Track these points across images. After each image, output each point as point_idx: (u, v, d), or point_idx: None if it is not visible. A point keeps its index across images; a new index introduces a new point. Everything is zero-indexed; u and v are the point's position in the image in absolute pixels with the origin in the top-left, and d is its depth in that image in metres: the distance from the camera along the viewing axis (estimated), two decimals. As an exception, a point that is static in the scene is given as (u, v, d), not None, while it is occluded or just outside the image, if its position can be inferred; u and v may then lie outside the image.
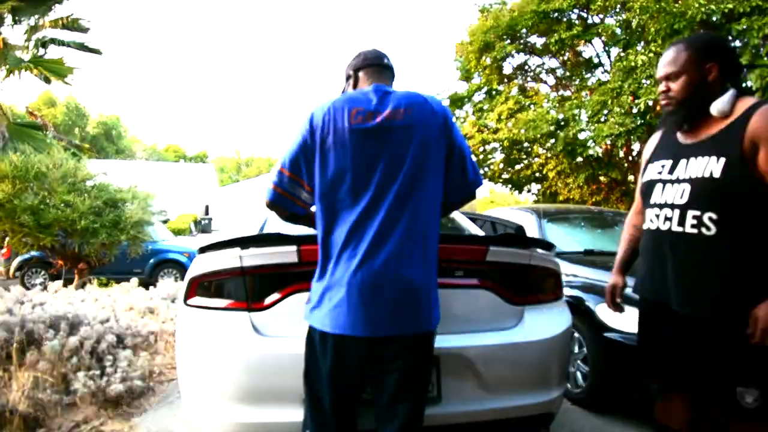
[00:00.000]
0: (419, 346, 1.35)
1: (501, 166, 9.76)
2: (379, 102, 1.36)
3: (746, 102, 1.38)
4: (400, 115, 1.34)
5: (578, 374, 3.12)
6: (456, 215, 2.96)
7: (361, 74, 1.50)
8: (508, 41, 8.59)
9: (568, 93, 9.02)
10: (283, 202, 1.40)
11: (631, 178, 8.28)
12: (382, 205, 1.29)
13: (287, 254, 1.65)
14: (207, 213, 29.94)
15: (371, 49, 1.55)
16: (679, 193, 1.45)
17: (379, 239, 1.27)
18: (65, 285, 5.50)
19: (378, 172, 1.30)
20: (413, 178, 1.32)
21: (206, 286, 1.78)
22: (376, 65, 1.49)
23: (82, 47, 6.68)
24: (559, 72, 9.45)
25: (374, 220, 1.28)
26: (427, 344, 1.39)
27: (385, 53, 1.54)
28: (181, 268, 8.43)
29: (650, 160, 1.63)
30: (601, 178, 8.45)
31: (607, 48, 8.39)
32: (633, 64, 5.93)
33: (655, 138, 1.72)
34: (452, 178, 1.42)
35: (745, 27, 4.91)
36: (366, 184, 1.30)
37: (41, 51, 6.43)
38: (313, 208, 1.40)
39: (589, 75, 8.84)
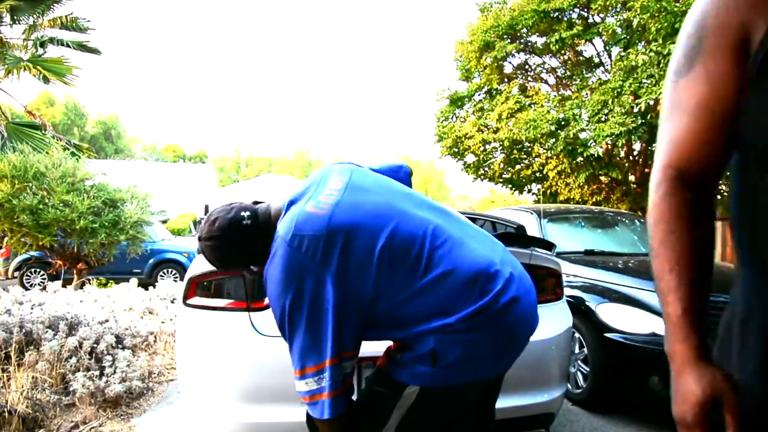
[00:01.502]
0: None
1: (501, 166, 9.75)
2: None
3: None
4: None
5: (578, 374, 3.11)
6: (455, 213, 2.96)
7: None
8: (509, 41, 8.58)
9: (568, 92, 9.01)
10: (345, 404, 1.09)
11: (631, 177, 8.28)
12: None
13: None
14: (206, 213, 29.90)
15: None
16: None
17: None
18: (64, 285, 5.50)
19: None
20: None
21: (206, 285, 1.78)
22: None
23: (80, 47, 6.67)
24: (560, 71, 9.44)
25: None
26: None
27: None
28: (180, 268, 8.42)
29: None
30: (602, 178, 8.44)
31: (607, 47, 8.39)
32: (634, 63, 5.93)
33: None
34: None
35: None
36: None
37: (40, 50, 6.41)
38: None
39: (589, 74, 8.83)
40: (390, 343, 1.21)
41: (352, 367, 1.12)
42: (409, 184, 1.40)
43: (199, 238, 1.22)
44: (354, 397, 1.18)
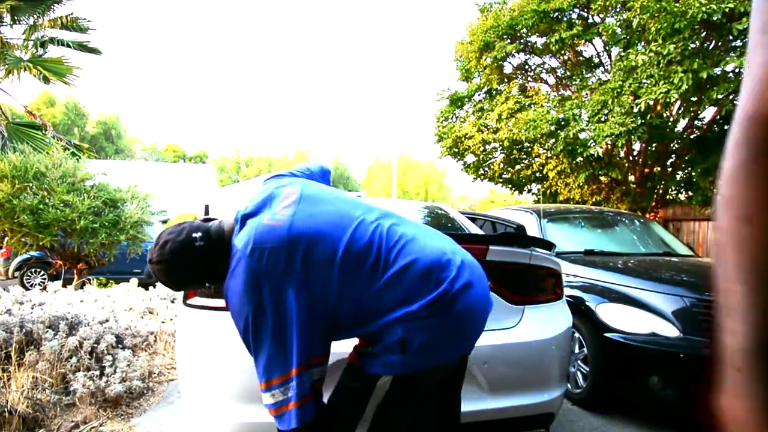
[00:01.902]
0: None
1: (501, 166, 9.74)
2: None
3: None
4: None
5: (578, 374, 3.12)
6: (455, 215, 2.96)
7: None
8: (509, 41, 8.58)
9: (568, 93, 9.01)
10: (314, 410, 1.10)
11: (631, 178, 8.28)
12: None
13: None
14: (207, 213, 29.93)
15: None
16: None
17: None
18: (64, 285, 5.50)
19: None
20: None
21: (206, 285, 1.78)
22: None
23: (81, 47, 6.67)
24: (560, 72, 9.44)
25: None
26: None
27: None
28: (180, 268, 8.41)
29: None
30: (602, 178, 8.44)
31: (607, 47, 8.39)
32: (633, 63, 5.92)
33: None
34: None
35: (746, 26, 4.91)
36: None
37: (40, 51, 6.42)
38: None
39: (589, 75, 8.82)
40: (357, 341, 1.24)
41: (322, 373, 1.13)
42: (329, 183, 1.49)
43: (150, 261, 1.21)
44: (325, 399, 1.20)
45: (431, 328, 1.11)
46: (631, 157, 8.43)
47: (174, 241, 1.18)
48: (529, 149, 9.13)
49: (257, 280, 1.07)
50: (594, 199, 8.54)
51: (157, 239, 1.22)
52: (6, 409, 2.28)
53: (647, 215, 7.74)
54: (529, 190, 10.42)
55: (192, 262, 1.19)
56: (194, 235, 1.19)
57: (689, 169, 7.83)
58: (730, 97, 6.57)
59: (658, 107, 7.01)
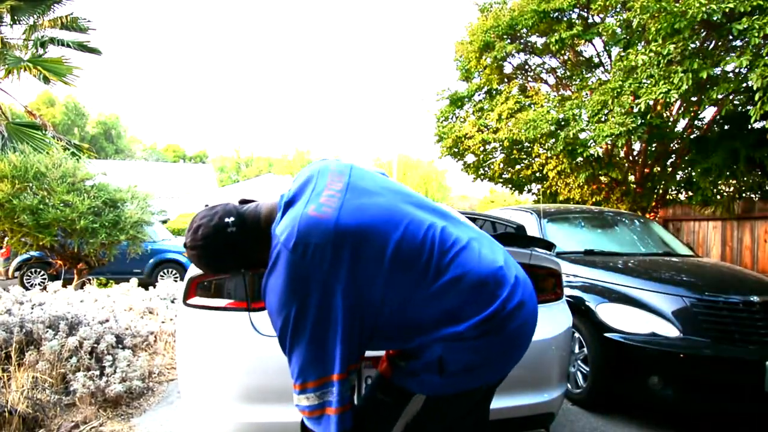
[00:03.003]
0: None
1: (501, 166, 9.74)
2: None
3: None
4: None
5: (578, 374, 3.12)
6: (455, 214, 2.96)
7: None
8: (509, 41, 8.57)
9: (568, 93, 9.00)
10: (352, 421, 1.04)
11: (631, 178, 8.28)
12: None
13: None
14: (206, 213, 29.92)
15: None
16: None
17: None
18: (64, 285, 5.51)
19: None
20: None
21: (206, 286, 1.78)
22: None
23: (81, 47, 6.67)
24: (560, 72, 9.43)
25: None
26: None
27: None
28: (180, 268, 8.43)
29: None
30: (602, 178, 8.44)
31: (607, 47, 8.38)
32: (633, 63, 5.92)
33: None
34: None
35: (746, 26, 4.89)
36: None
37: (40, 51, 6.41)
38: None
39: (589, 75, 8.81)
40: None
41: (355, 380, 1.10)
42: None
43: (184, 245, 1.17)
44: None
45: (477, 349, 1.03)
46: (631, 157, 8.43)
47: (206, 226, 1.11)
48: (529, 149, 9.13)
49: (301, 278, 0.98)
50: (594, 199, 8.54)
51: (190, 223, 1.16)
52: (6, 409, 2.28)
53: (647, 215, 7.74)
54: (529, 190, 10.42)
55: (225, 248, 1.11)
56: (227, 220, 1.11)
57: (689, 169, 7.83)
58: (730, 97, 6.56)
59: (658, 107, 7.01)
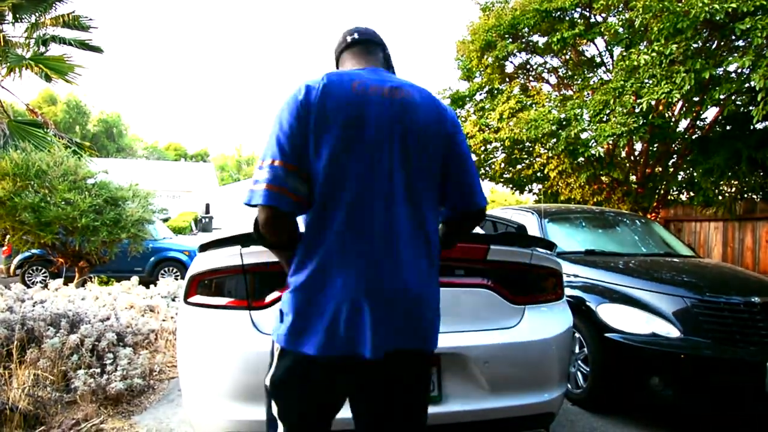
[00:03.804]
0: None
1: (502, 165, 9.74)
2: (381, 78, 1.19)
3: None
4: (407, 94, 1.17)
5: (578, 374, 3.12)
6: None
7: (345, 55, 1.33)
8: (510, 40, 8.56)
9: (570, 92, 8.99)
10: (281, 200, 1.08)
11: (632, 178, 8.26)
12: (393, 198, 1.11)
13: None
14: (207, 211, 30.01)
15: (354, 26, 1.36)
16: None
17: (387, 239, 1.10)
18: (66, 283, 5.51)
19: (386, 153, 1.12)
20: (424, 168, 1.16)
21: (207, 284, 1.78)
22: (362, 43, 1.31)
23: (83, 45, 6.67)
24: (561, 71, 9.42)
25: (379, 214, 1.10)
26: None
27: (374, 30, 1.35)
28: (181, 267, 8.44)
29: None
30: (603, 178, 8.43)
31: (609, 47, 8.36)
32: (635, 63, 5.90)
33: None
34: (453, 188, 1.24)
35: (749, 26, 4.88)
36: (371, 170, 1.10)
37: (42, 49, 6.42)
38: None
39: (591, 74, 8.80)
40: None
41: (302, 188, 1.13)
42: None
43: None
44: None
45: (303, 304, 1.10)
46: (632, 157, 8.42)
47: None
48: (531, 149, 9.12)
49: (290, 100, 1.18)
50: (595, 199, 8.53)
51: None
52: (7, 407, 2.29)
53: (648, 215, 7.73)
54: (530, 190, 10.42)
55: None
56: None
57: (691, 169, 7.82)
58: (733, 97, 6.55)
59: (660, 107, 6.99)
